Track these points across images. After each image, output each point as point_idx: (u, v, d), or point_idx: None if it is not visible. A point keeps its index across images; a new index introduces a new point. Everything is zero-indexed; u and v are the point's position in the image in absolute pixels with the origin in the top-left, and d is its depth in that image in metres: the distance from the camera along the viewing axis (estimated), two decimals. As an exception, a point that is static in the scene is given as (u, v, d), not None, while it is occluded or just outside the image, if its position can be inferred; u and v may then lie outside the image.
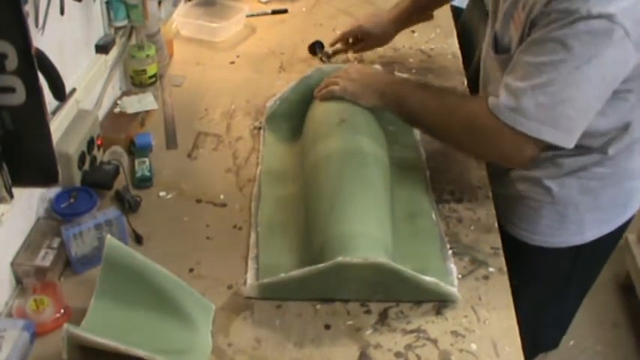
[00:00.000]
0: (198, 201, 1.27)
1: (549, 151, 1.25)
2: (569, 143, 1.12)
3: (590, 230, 1.36)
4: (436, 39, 1.81)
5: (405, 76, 1.60)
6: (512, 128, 1.11)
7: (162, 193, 1.28)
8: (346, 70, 1.37)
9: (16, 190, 0.94)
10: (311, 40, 1.74)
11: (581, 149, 1.21)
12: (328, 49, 1.71)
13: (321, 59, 1.68)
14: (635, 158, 1.30)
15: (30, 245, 1.10)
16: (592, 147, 1.23)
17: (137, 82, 1.50)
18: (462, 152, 1.35)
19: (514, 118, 1.10)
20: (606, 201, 1.33)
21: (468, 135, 1.19)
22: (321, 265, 1.02)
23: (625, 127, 1.21)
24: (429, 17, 1.69)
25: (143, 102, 1.46)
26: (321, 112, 1.35)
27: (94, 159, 1.28)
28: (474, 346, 1.02)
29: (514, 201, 1.35)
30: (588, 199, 1.31)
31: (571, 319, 1.62)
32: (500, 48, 1.25)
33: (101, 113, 1.40)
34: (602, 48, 1.04)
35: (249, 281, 1.10)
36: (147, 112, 1.45)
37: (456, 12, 1.99)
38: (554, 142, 1.11)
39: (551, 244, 1.35)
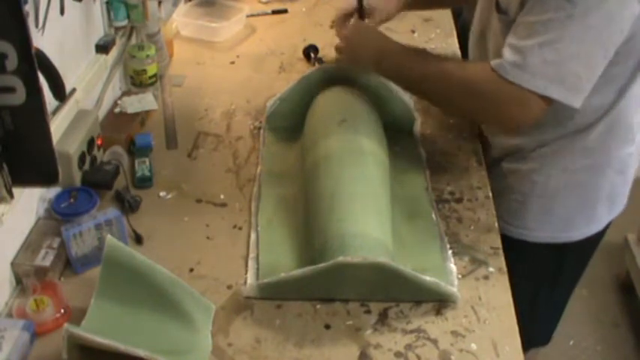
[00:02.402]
0: (198, 201, 1.27)
1: (532, 139, 1.27)
2: (576, 102, 1.10)
3: (578, 229, 1.36)
4: (436, 39, 1.81)
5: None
6: (518, 86, 1.09)
7: (162, 193, 1.28)
8: (347, 36, 1.37)
9: (16, 190, 0.94)
10: (311, 41, 1.74)
11: (565, 129, 1.23)
12: (322, 55, 1.69)
13: (314, 64, 1.67)
14: (617, 148, 1.30)
15: (30, 245, 1.10)
16: (576, 124, 1.23)
17: (137, 82, 1.50)
18: (464, 117, 1.35)
19: (520, 75, 1.09)
20: (592, 196, 1.33)
21: (469, 98, 1.17)
22: (321, 265, 1.02)
23: (610, 107, 1.21)
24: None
25: (143, 102, 1.46)
26: (322, 111, 1.35)
27: (94, 159, 1.28)
28: (474, 346, 1.02)
29: (500, 194, 1.35)
30: (574, 193, 1.32)
31: (561, 314, 1.63)
32: (502, 8, 1.23)
33: (101, 113, 1.40)
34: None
35: (249, 281, 1.10)
36: (147, 112, 1.45)
37: (456, 12, 1.99)
38: (560, 100, 1.09)
39: (536, 239, 1.35)
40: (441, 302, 1.07)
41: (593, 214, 1.36)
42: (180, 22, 1.81)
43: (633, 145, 1.34)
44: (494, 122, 1.30)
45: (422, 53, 1.32)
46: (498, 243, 1.19)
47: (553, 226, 1.35)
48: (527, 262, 1.39)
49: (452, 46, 1.78)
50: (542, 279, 1.44)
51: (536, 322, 1.54)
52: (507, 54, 1.11)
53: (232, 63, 1.71)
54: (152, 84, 1.51)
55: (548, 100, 1.10)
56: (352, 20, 1.40)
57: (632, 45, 1.12)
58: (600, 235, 1.42)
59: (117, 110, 1.44)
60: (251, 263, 1.13)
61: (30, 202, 1.14)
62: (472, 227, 1.22)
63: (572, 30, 1.05)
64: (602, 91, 1.17)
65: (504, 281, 1.12)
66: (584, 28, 1.05)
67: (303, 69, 1.64)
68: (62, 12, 1.16)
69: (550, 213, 1.34)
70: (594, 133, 1.25)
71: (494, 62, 1.13)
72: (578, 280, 1.55)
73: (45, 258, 1.08)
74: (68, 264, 1.12)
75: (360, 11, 1.48)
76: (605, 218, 1.39)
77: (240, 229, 1.21)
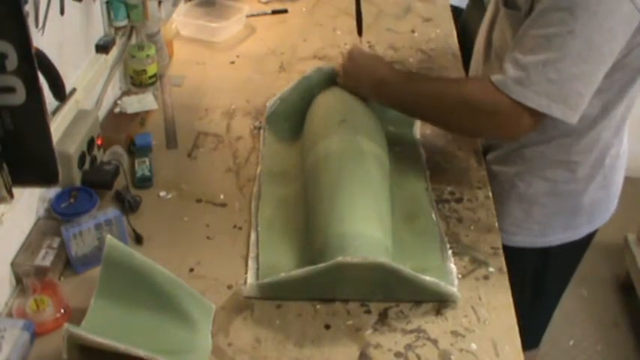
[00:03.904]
0: (198, 201, 1.27)
1: (512, 145, 1.29)
2: (575, 119, 1.11)
3: (555, 234, 1.37)
4: (436, 39, 1.81)
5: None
6: (520, 103, 1.09)
7: (162, 193, 1.28)
8: (344, 67, 1.37)
9: (16, 190, 0.94)
10: (311, 40, 1.74)
11: (546, 134, 1.24)
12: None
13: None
14: (601, 165, 1.31)
15: (30, 245, 1.10)
16: (558, 130, 1.23)
17: (137, 82, 1.50)
18: (464, 134, 1.36)
19: (523, 93, 1.09)
20: (572, 206, 1.34)
21: (468, 116, 1.17)
22: (321, 265, 1.02)
23: (595, 121, 1.22)
24: None
25: (143, 102, 1.46)
26: (322, 111, 1.35)
27: (94, 159, 1.28)
28: (474, 346, 1.02)
29: None
30: (553, 201, 1.32)
31: (549, 319, 1.62)
32: (510, 3, 1.22)
33: (101, 113, 1.40)
34: (610, 15, 1.03)
35: (249, 281, 1.10)
36: (147, 112, 1.45)
37: (456, 12, 1.99)
38: (562, 118, 1.10)
39: (514, 243, 1.35)
40: (441, 302, 1.07)
41: (572, 222, 1.37)
42: (180, 22, 1.81)
43: (618, 159, 1.34)
44: (491, 136, 1.33)
45: (417, 78, 1.33)
46: (498, 243, 1.19)
47: (530, 231, 1.36)
48: (509, 266, 1.40)
49: (452, 46, 1.78)
50: (525, 284, 1.44)
51: (523, 326, 1.55)
52: (510, 70, 1.11)
53: (232, 63, 1.71)
54: (152, 84, 1.50)
55: (546, 116, 1.11)
56: (349, 47, 1.39)
57: (623, 61, 1.12)
58: (584, 242, 1.42)
59: (117, 110, 1.44)
60: (251, 263, 1.13)
61: (30, 202, 1.14)
62: (472, 227, 1.22)
63: (575, 49, 1.05)
64: (587, 103, 1.17)
65: (504, 281, 1.12)
66: (588, 47, 1.05)
67: (303, 69, 1.64)
68: (62, 12, 1.16)
69: (528, 218, 1.35)
70: (579, 146, 1.26)
71: (495, 78, 1.12)
72: (565, 285, 1.56)
73: (45, 258, 1.08)
74: (68, 264, 1.12)
75: (359, 24, 1.48)
76: (585, 228, 1.39)
77: (240, 229, 1.21)
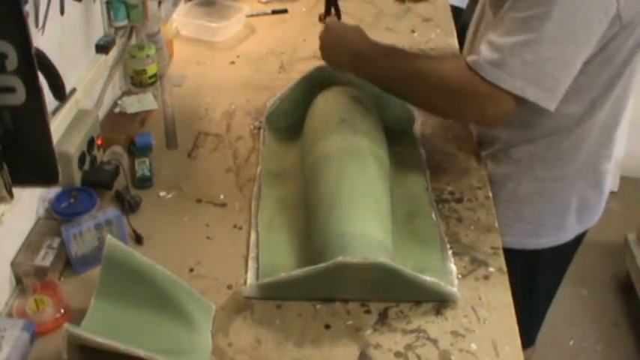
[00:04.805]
0: (198, 201, 1.27)
1: (502, 138, 1.29)
2: (551, 104, 1.10)
3: (547, 236, 1.36)
4: (436, 39, 1.81)
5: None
6: (494, 85, 1.08)
7: (162, 193, 1.28)
8: (321, 38, 1.34)
9: (16, 190, 0.94)
10: (311, 40, 1.74)
11: (533, 132, 1.24)
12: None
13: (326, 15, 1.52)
14: (591, 163, 1.30)
15: (30, 245, 1.10)
16: (545, 129, 1.23)
17: (137, 82, 1.50)
18: (440, 115, 1.36)
19: (498, 75, 1.08)
20: (561, 206, 1.34)
21: (444, 96, 1.16)
22: (321, 265, 1.02)
23: (582, 118, 1.21)
24: None
25: (143, 102, 1.46)
26: (321, 111, 1.35)
27: (94, 159, 1.28)
28: (474, 346, 1.02)
29: None
30: (543, 201, 1.32)
31: (543, 317, 1.62)
32: None
33: (101, 113, 1.40)
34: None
35: (249, 281, 1.10)
36: (147, 112, 1.45)
37: (456, 12, 1.99)
38: (536, 102, 1.09)
39: (505, 244, 1.34)
40: (441, 302, 1.07)
41: (562, 224, 1.37)
42: (180, 22, 1.81)
43: (609, 161, 1.34)
44: (468, 120, 1.33)
45: (396, 53, 1.30)
46: (498, 243, 1.19)
47: (522, 231, 1.36)
48: None
49: (452, 46, 1.79)
50: (515, 285, 1.44)
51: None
52: (485, 51, 1.10)
53: (232, 63, 1.71)
54: (152, 84, 1.50)
55: (522, 100, 1.10)
56: (327, 20, 1.38)
57: (603, 55, 1.12)
58: (574, 245, 1.42)
59: (117, 110, 1.44)
60: (251, 263, 1.13)
61: (30, 202, 1.14)
62: (472, 227, 1.22)
63: (551, 30, 1.04)
64: (572, 100, 1.16)
65: (504, 281, 1.12)
66: (563, 29, 1.05)
67: (303, 69, 1.63)
68: (62, 12, 1.16)
69: (519, 218, 1.34)
70: (566, 144, 1.25)
71: (470, 59, 1.11)
72: (556, 287, 1.56)
73: (45, 258, 1.08)
74: (68, 264, 1.12)
75: (336, 9, 1.47)
76: (574, 229, 1.39)
77: (240, 229, 1.21)
